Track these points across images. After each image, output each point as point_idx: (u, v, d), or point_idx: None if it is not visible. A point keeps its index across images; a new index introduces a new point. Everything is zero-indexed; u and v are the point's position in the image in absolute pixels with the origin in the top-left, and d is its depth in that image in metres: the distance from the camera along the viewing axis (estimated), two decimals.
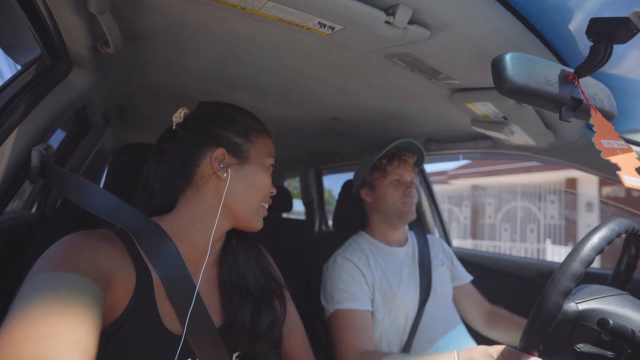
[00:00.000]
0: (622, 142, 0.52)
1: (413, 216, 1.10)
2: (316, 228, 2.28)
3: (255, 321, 0.66)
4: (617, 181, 0.96)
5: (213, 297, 0.66)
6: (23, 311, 0.39)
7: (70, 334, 0.38)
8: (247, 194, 0.65)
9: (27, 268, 0.48)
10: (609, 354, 0.56)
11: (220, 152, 0.64)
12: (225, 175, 0.63)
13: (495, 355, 0.70)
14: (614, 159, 0.50)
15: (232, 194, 0.64)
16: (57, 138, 1.16)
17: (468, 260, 1.53)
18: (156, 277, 0.57)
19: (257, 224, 0.67)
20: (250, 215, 0.66)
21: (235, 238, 0.72)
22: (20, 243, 0.93)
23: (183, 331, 0.57)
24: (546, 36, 0.60)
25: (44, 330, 0.38)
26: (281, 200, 1.91)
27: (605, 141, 0.51)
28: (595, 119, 0.52)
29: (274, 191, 0.69)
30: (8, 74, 0.68)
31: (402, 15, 0.51)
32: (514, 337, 1.03)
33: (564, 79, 0.50)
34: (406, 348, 0.99)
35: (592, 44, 0.48)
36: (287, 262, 0.91)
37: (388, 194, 1.10)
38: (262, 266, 0.74)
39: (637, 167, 0.51)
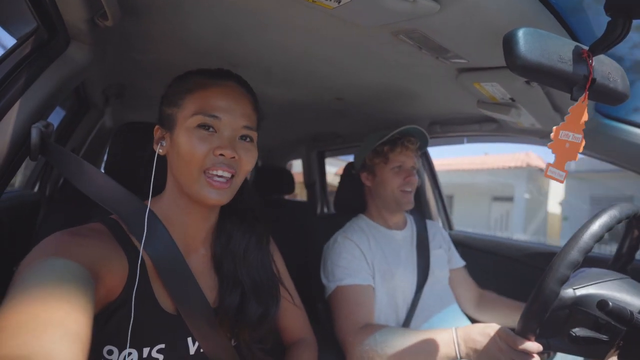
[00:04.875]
0: (579, 137, 0.52)
1: (410, 206, 1.09)
2: (318, 210, 2.29)
3: (244, 309, 0.63)
4: (627, 168, 0.95)
5: (208, 277, 0.65)
6: (14, 300, 0.38)
7: (62, 321, 0.38)
8: (179, 163, 0.59)
9: (32, 247, 0.48)
10: (604, 337, 0.57)
11: (156, 130, 0.64)
12: (160, 151, 0.62)
13: (493, 335, 0.71)
14: (555, 151, 0.51)
15: (172, 167, 0.62)
16: (57, 117, 1.15)
17: (468, 244, 1.54)
18: (149, 260, 0.58)
19: (203, 196, 0.58)
20: (191, 188, 0.58)
21: (229, 219, 0.69)
22: (24, 222, 0.94)
23: (177, 311, 0.58)
24: (560, 12, 0.57)
25: (34, 318, 0.37)
26: (283, 182, 1.91)
27: (564, 132, 0.51)
28: (576, 107, 0.51)
29: (220, 152, 0.57)
30: (2, 48, 0.67)
31: None
32: (503, 317, 1.06)
33: (578, 56, 0.48)
34: (404, 325, 1.01)
35: (609, 19, 0.46)
36: (288, 244, 0.91)
37: (388, 180, 1.09)
38: (261, 259, 0.70)
39: (571, 160, 0.52)
